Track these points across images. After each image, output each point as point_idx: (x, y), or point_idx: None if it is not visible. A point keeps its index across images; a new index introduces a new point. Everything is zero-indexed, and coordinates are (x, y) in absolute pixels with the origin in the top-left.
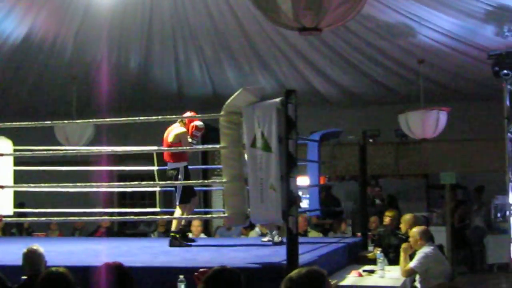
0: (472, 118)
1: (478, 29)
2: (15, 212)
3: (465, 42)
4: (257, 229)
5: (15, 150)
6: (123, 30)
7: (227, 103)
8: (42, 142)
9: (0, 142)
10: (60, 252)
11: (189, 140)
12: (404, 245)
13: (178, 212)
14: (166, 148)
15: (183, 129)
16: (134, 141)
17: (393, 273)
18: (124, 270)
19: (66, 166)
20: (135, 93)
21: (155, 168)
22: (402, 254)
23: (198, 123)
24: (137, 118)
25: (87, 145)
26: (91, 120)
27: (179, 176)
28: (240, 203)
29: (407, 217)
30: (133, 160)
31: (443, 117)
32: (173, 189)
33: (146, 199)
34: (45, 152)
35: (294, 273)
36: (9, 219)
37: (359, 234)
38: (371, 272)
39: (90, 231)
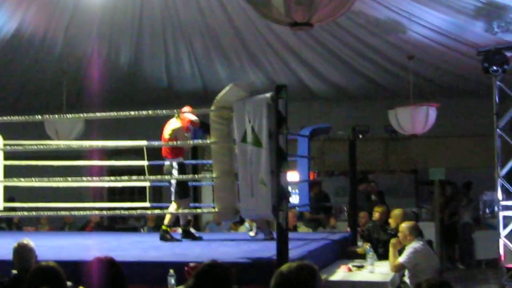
0: (461, 114)
1: (468, 26)
2: (5, 207)
3: (454, 39)
4: (246, 224)
5: (5, 145)
6: (113, 25)
7: (217, 98)
8: (32, 137)
9: None
10: (50, 247)
11: (186, 135)
12: (393, 240)
13: (173, 206)
14: (156, 143)
15: (179, 125)
16: (124, 135)
17: (383, 268)
18: (115, 265)
19: (56, 160)
20: (125, 88)
21: (145, 163)
22: (391, 249)
23: (193, 117)
24: (127, 112)
25: (77, 140)
26: (81, 115)
27: (173, 172)
28: (230, 198)
29: (396, 212)
30: (123, 155)
31: (432, 113)
32: (167, 184)
33: (136, 194)
34: (35, 146)
35: (284, 267)
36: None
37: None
38: (361, 267)
39: (80, 225)
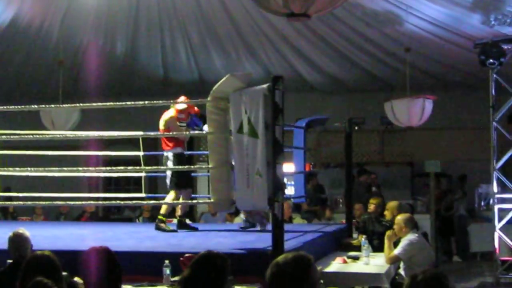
0: (457, 107)
1: (465, 18)
2: (0, 196)
3: (451, 31)
4: (242, 215)
5: (0, 134)
6: (109, 15)
7: (214, 88)
8: (27, 127)
9: None
10: (45, 237)
11: (178, 124)
12: (388, 232)
13: (170, 196)
14: (153, 133)
15: (170, 114)
16: (120, 126)
17: (378, 260)
18: (111, 255)
19: (52, 150)
20: (122, 78)
21: (141, 153)
22: (386, 241)
23: (180, 106)
24: (123, 103)
25: (73, 130)
26: (77, 105)
27: (168, 162)
28: (226, 189)
29: (392, 204)
30: (119, 145)
31: (428, 105)
32: (163, 174)
33: (131, 184)
34: (31, 136)
35: (280, 258)
36: None
37: (343, 220)
38: (356, 258)
39: (75, 215)
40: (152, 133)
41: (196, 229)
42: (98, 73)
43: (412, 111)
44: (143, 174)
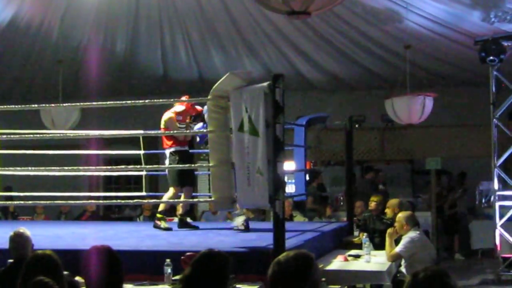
0: (458, 104)
1: (465, 15)
2: (1, 196)
3: (451, 28)
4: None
5: (0, 134)
6: (109, 14)
7: (214, 87)
8: (28, 126)
9: None
10: (46, 236)
11: (178, 125)
12: (389, 230)
13: (167, 194)
14: (153, 132)
15: (169, 115)
16: (120, 125)
17: (379, 258)
18: (112, 254)
19: (52, 150)
20: (122, 77)
21: (141, 152)
22: (387, 239)
23: (177, 108)
24: (123, 101)
25: (73, 129)
26: (77, 104)
27: (166, 160)
28: (227, 188)
29: (393, 202)
30: (119, 144)
31: (429, 102)
32: (164, 173)
33: (131, 183)
34: (32, 135)
35: (282, 256)
36: None
37: (344, 218)
38: (357, 256)
39: (75, 215)
40: (152, 132)
41: (197, 228)
42: (98, 72)
43: (412, 108)
44: (143, 173)
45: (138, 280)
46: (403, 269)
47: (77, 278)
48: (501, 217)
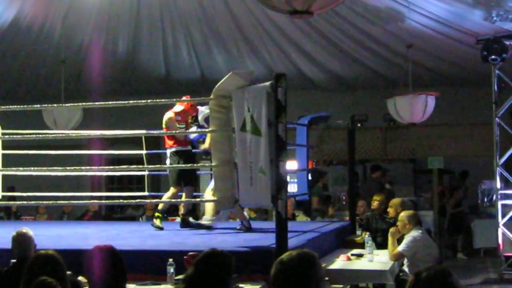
0: (460, 103)
1: (467, 14)
2: (3, 196)
3: (453, 27)
4: (245, 213)
5: (3, 134)
6: (111, 14)
7: (216, 86)
8: (30, 126)
9: None
10: (49, 236)
11: (177, 125)
12: (392, 229)
13: (167, 193)
14: (155, 132)
15: (169, 115)
16: (122, 125)
17: (382, 257)
18: (115, 253)
19: (55, 150)
20: (124, 77)
21: (143, 152)
22: (390, 238)
23: (176, 108)
24: (125, 101)
25: (75, 129)
26: (79, 104)
27: (167, 160)
28: (229, 187)
29: (395, 201)
30: (121, 144)
31: (431, 101)
32: (166, 173)
33: (134, 183)
34: (34, 135)
35: (285, 255)
36: None
37: (346, 218)
38: (360, 256)
39: (78, 215)
40: (154, 132)
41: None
42: (100, 72)
43: (414, 107)
44: (146, 173)
45: (141, 280)
46: (405, 268)
47: (80, 278)
48: (503, 216)
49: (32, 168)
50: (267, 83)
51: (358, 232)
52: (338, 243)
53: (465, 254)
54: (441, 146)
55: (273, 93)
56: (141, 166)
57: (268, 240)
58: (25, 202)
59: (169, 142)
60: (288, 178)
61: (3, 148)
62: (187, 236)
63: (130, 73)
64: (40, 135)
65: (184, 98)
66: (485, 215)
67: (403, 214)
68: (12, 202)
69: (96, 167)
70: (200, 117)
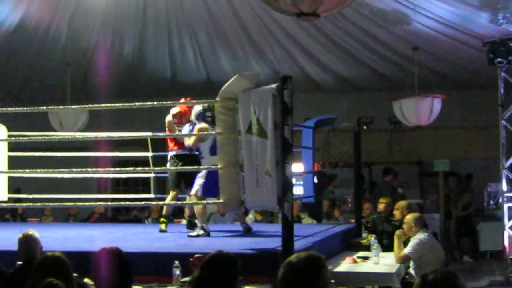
0: (466, 106)
1: (473, 17)
2: (9, 198)
3: (459, 30)
4: (250, 216)
5: (9, 136)
6: (117, 16)
7: (222, 89)
8: (36, 128)
9: None
10: (55, 238)
11: (176, 127)
12: (398, 232)
13: (168, 197)
14: (161, 134)
15: (168, 118)
16: (128, 127)
17: (388, 260)
18: (122, 255)
19: (60, 152)
20: (129, 79)
21: (149, 154)
22: (396, 241)
23: (172, 110)
24: (131, 104)
25: (81, 131)
26: (85, 106)
27: (167, 164)
28: (235, 189)
29: (401, 203)
30: (127, 146)
31: (437, 104)
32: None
33: (139, 185)
34: (40, 137)
35: (293, 257)
36: (4, 204)
37: (352, 220)
38: (366, 258)
39: (84, 217)
40: (160, 134)
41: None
42: (106, 74)
43: (420, 110)
44: (152, 175)
45: (147, 282)
46: (411, 271)
47: (86, 280)
48: (509, 218)
49: (38, 170)
50: (273, 85)
51: (364, 235)
52: (344, 245)
53: (470, 257)
54: (447, 149)
55: (279, 95)
56: (147, 168)
57: (274, 242)
58: (31, 204)
59: (170, 145)
60: (294, 181)
61: (10, 150)
62: (193, 238)
63: (136, 75)
64: (46, 137)
65: (182, 100)
66: (491, 218)
67: (409, 217)
68: (18, 204)
69: (102, 169)
70: (192, 114)
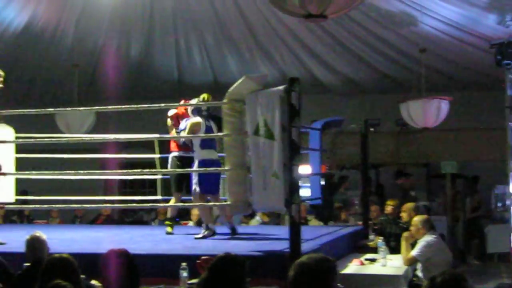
0: (473, 107)
1: (480, 18)
2: (17, 200)
3: (467, 31)
4: (257, 218)
5: (17, 137)
6: (124, 18)
7: (229, 90)
8: (43, 130)
9: (2, 129)
10: (62, 240)
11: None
12: (405, 234)
13: (171, 201)
14: (168, 136)
15: (168, 120)
16: (135, 128)
17: (395, 262)
18: (130, 257)
19: (67, 153)
20: (136, 81)
21: (156, 156)
22: (403, 243)
23: (169, 112)
24: (138, 105)
25: (88, 133)
26: (92, 108)
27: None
28: (243, 191)
29: (408, 205)
30: (134, 148)
31: (444, 106)
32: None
33: (146, 187)
34: (47, 139)
35: (304, 258)
36: (11, 206)
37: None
38: (373, 260)
39: (90, 218)
40: (167, 136)
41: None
42: (113, 76)
43: (427, 112)
44: (158, 177)
45: (154, 284)
46: (419, 273)
47: (93, 282)
48: None
49: (45, 172)
50: (281, 87)
51: (371, 237)
52: (351, 247)
53: (478, 259)
54: (454, 151)
55: (287, 97)
56: (154, 170)
57: (282, 244)
58: (38, 206)
59: (171, 146)
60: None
61: (17, 152)
62: (200, 240)
63: (143, 77)
64: (53, 139)
65: (181, 102)
66: (498, 220)
67: (416, 219)
68: (25, 206)
69: (108, 171)
70: (188, 108)
